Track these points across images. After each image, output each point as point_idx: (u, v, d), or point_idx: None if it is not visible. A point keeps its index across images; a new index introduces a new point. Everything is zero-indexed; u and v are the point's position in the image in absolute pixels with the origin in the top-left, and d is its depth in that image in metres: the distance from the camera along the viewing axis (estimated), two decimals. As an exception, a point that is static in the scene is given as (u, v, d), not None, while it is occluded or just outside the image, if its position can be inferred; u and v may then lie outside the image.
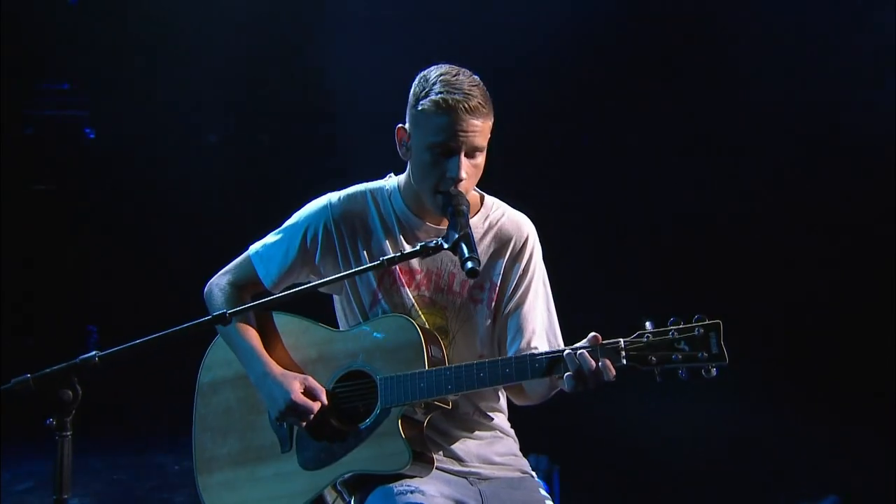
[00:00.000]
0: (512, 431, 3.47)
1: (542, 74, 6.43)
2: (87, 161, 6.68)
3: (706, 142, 6.56)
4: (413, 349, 3.14)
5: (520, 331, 3.30)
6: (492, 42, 6.20)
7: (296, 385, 3.18)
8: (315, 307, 3.38)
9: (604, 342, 3.00)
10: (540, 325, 3.33)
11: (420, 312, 3.28)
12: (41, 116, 6.61)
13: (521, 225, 3.37)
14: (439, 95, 3.09)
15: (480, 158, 3.17)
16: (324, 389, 3.20)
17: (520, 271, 3.33)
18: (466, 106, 3.08)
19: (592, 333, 3.04)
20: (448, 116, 3.08)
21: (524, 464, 3.41)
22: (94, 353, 2.48)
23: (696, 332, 2.99)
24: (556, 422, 6.29)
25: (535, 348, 3.25)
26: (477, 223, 3.31)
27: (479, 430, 3.36)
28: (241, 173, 6.81)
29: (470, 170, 3.14)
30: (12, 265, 6.40)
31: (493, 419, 3.38)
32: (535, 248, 3.37)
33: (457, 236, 3.00)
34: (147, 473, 6.00)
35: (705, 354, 2.98)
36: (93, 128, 6.70)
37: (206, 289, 3.37)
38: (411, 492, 3.10)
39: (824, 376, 6.22)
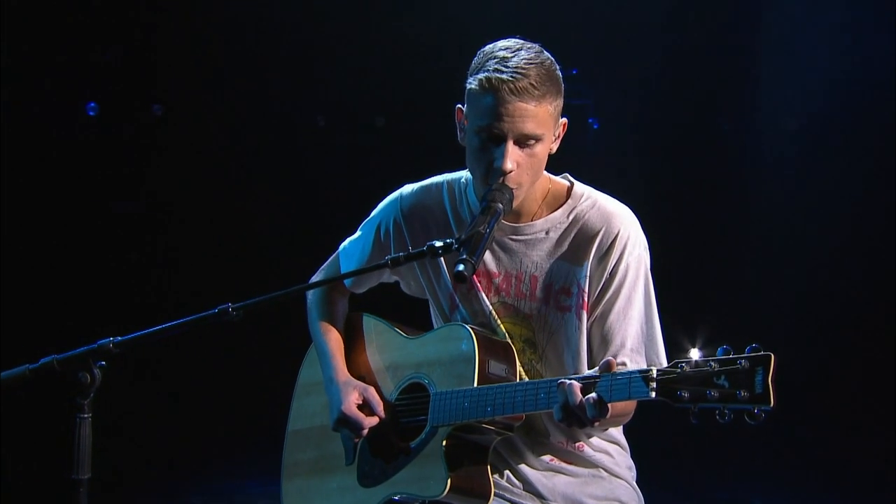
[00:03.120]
0: (628, 473, 3.22)
1: None
2: (587, 152, 6.92)
3: None
4: (465, 363, 3.03)
5: (604, 343, 3.05)
6: None
7: (353, 396, 3.20)
8: (414, 310, 3.43)
9: (636, 370, 2.71)
10: (632, 338, 3.04)
11: (500, 322, 3.15)
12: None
13: (611, 217, 3.08)
14: (485, 73, 2.91)
15: (538, 148, 2.95)
16: (382, 403, 3.19)
17: (607, 272, 3.06)
18: (513, 87, 2.88)
19: (606, 359, 2.78)
20: (492, 97, 2.90)
21: None
22: (109, 339, 2.69)
23: (739, 366, 2.61)
24: None
25: (623, 365, 2.93)
26: (559, 218, 3.11)
27: (574, 464, 3.16)
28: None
29: (523, 160, 2.94)
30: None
31: (594, 454, 3.15)
32: (628, 245, 3.06)
33: (464, 236, 2.84)
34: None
35: (745, 394, 2.60)
36: (596, 117, 6.97)
37: None
38: None
39: None
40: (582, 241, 3.09)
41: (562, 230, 3.10)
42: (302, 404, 3.49)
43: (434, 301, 3.26)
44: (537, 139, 2.94)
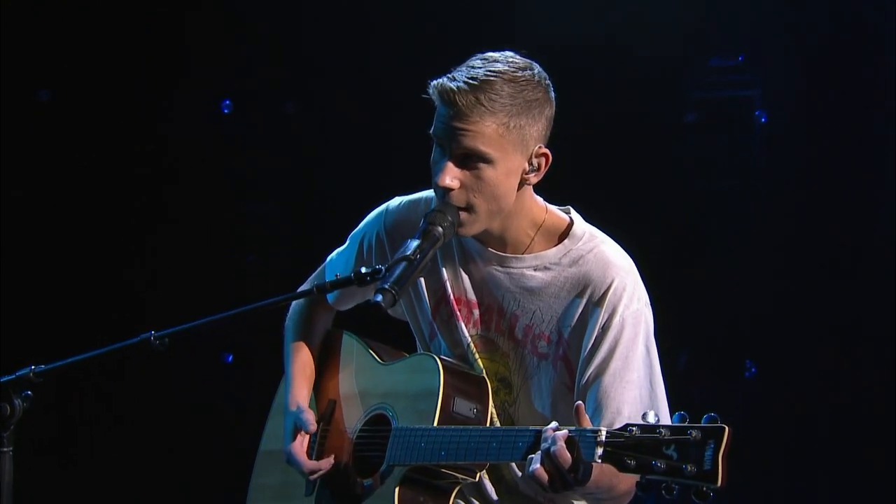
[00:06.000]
0: None
1: None
2: (752, 153, 6.50)
3: None
4: (428, 398, 2.93)
5: (599, 409, 2.87)
6: None
7: (298, 437, 3.18)
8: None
9: (588, 428, 2.60)
10: (629, 404, 2.85)
11: (478, 356, 3.04)
12: (706, 99, 6.47)
13: (607, 267, 2.93)
14: (440, 79, 2.88)
15: (489, 172, 2.84)
16: (337, 443, 3.15)
17: (598, 328, 2.90)
18: (453, 97, 2.82)
19: (577, 402, 2.67)
20: (440, 106, 2.87)
21: None
22: (29, 367, 2.70)
23: (689, 436, 2.43)
24: None
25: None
26: (552, 257, 2.97)
27: None
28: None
29: (468, 181, 2.85)
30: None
31: None
32: (623, 298, 2.91)
33: (392, 262, 2.79)
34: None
35: (692, 469, 2.41)
36: (764, 110, 6.49)
37: None
38: None
39: None
40: (573, 287, 2.95)
41: (553, 271, 2.97)
42: (275, 424, 3.43)
43: (415, 327, 3.19)
44: (483, 160, 2.82)
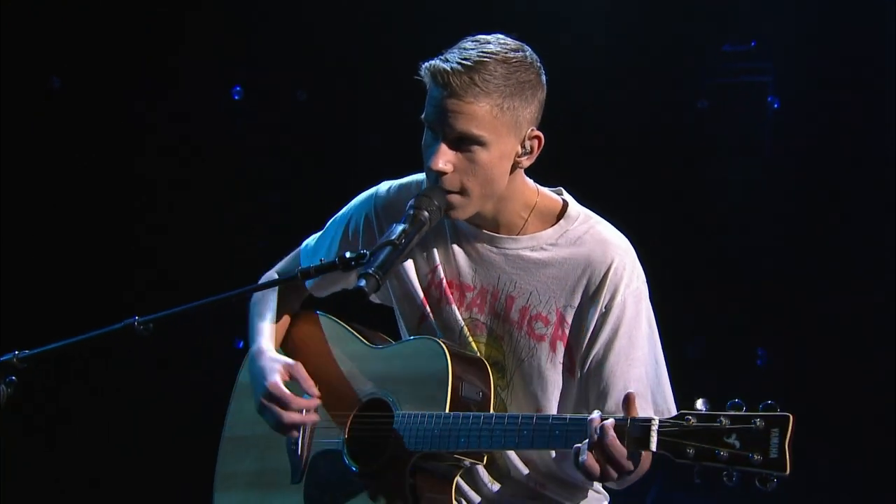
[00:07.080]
0: None
1: None
2: (764, 139, 6.43)
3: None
4: (437, 383, 2.87)
5: (603, 393, 2.87)
6: None
7: (282, 372, 3.08)
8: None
9: (638, 417, 2.58)
10: (637, 380, 2.86)
11: (471, 340, 3.01)
12: (719, 85, 6.41)
13: (606, 247, 2.91)
14: (433, 60, 2.85)
15: (483, 154, 2.82)
16: (315, 387, 3.05)
17: (599, 310, 2.90)
18: (446, 79, 2.79)
19: (628, 392, 2.63)
20: (433, 87, 2.84)
21: None
22: (13, 353, 2.67)
23: (753, 425, 2.41)
24: None
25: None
26: (548, 238, 2.95)
27: (536, 501, 3.02)
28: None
29: (461, 164, 2.82)
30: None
31: (566, 494, 3.02)
32: (624, 277, 2.89)
33: (376, 246, 2.76)
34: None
35: (758, 457, 2.40)
36: (777, 96, 6.44)
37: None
38: None
39: None
40: (571, 268, 2.93)
41: (550, 251, 2.95)
42: (241, 407, 3.33)
43: (401, 311, 3.15)
44: (476, 142, 2.80)
